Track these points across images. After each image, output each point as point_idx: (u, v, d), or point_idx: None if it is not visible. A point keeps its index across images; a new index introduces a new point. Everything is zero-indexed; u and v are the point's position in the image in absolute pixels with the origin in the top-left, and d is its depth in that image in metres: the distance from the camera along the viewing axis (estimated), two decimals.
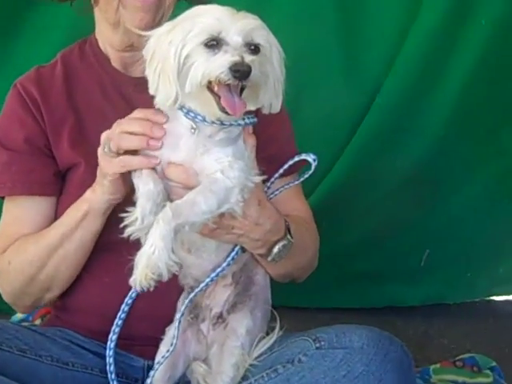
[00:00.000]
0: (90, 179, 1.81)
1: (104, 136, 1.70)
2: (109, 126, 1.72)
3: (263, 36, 1.54)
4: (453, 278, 3.45)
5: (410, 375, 1.60)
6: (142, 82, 1.64)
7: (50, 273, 1.89)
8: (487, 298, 3.67)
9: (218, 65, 1.48)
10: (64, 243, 1.86)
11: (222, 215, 1.62)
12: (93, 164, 1.79)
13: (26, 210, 1.97)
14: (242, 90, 1.53)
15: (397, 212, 3.25)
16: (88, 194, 1.81)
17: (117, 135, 1.66)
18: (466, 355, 2.77)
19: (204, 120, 1.58)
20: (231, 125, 1.60)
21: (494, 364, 2.72)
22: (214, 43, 1.50)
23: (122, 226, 1.59)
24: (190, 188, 1.59)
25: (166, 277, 1.52)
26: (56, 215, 1.97)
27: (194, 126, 1.60)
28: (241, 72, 1.47)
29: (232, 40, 1.50)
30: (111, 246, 1.68)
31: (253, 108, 1.61)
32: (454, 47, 3.01)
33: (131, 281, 1.54)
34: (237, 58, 1.47)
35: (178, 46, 1.52)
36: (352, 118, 3.11)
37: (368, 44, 3.09)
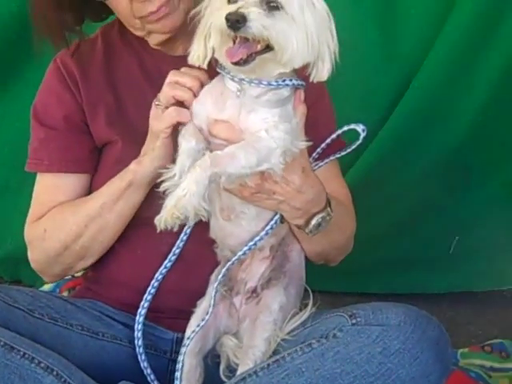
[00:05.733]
0: (126, 157, 1.82)
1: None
2: (147, 105, 1.72)
3: None
4: (481, 266, 3.40)
5: (446, 354, 1.58)
6: (182, 61, 1.66)
7: (86, 243, 1.89)
8: None
9: (219, 16, 1.50)
10: (104, 213, 1.86)
11: (263, 178, 1.62)
12: (130, 142, 1.79)
13: (61, 180, 1.98)
14: (269, 48, 1.51)
15: (427, 198, 3.21)
16: (133, 165, 1.80)
17: (169, 85, 1.68)
18: (495, 340, 2.76)
19: (251, 81, 1.59)
20: (278, 85, 1.60)
21: None
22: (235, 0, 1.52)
23: (159, 181, 1.60)
24: None
25: (191, 220, 1.54)
26: (91, 190, 1.98)
27: (240, 88, 1.60)
28: (231, 21, 1.46)
29: None
30: (146, 220, 1.68)
31: (284, 70, 1.58)
32: (494, 32, 2.93)
33: (156, 219, 1.55)
34: (232, 9, 1.47)
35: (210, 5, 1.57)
36: (387, 101, 3.06)
37: (406, 27, 3.03)
